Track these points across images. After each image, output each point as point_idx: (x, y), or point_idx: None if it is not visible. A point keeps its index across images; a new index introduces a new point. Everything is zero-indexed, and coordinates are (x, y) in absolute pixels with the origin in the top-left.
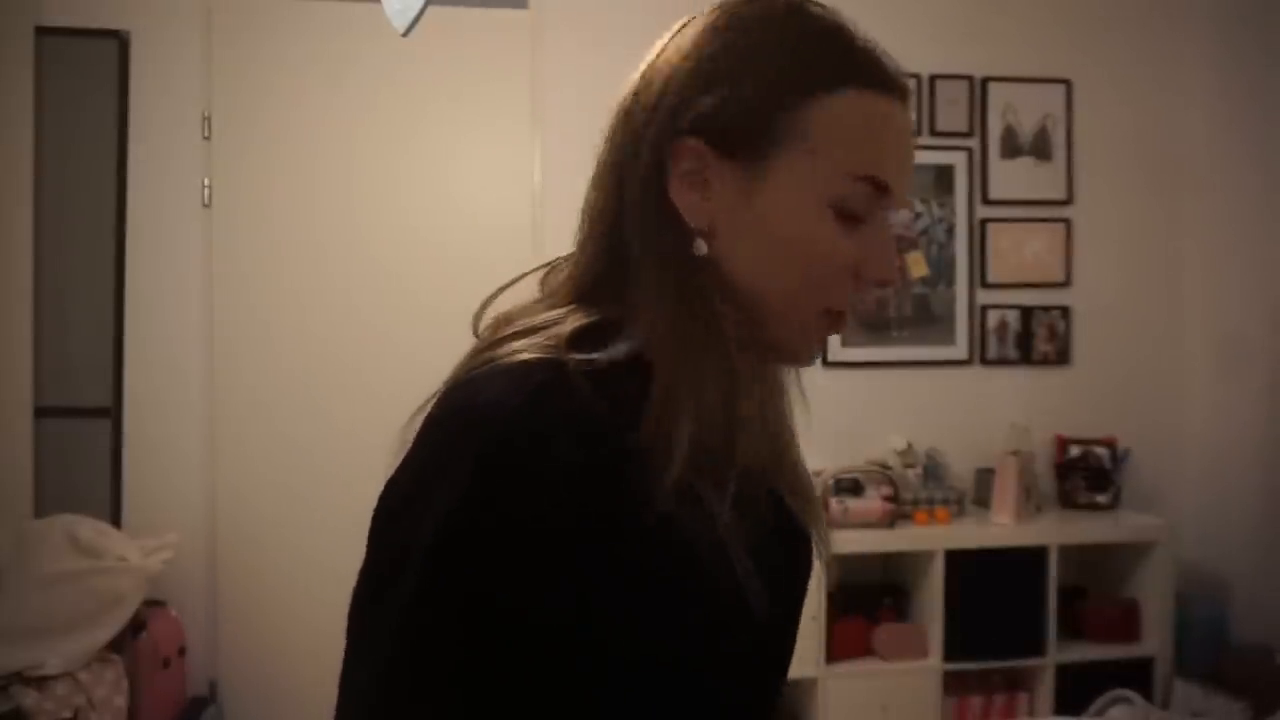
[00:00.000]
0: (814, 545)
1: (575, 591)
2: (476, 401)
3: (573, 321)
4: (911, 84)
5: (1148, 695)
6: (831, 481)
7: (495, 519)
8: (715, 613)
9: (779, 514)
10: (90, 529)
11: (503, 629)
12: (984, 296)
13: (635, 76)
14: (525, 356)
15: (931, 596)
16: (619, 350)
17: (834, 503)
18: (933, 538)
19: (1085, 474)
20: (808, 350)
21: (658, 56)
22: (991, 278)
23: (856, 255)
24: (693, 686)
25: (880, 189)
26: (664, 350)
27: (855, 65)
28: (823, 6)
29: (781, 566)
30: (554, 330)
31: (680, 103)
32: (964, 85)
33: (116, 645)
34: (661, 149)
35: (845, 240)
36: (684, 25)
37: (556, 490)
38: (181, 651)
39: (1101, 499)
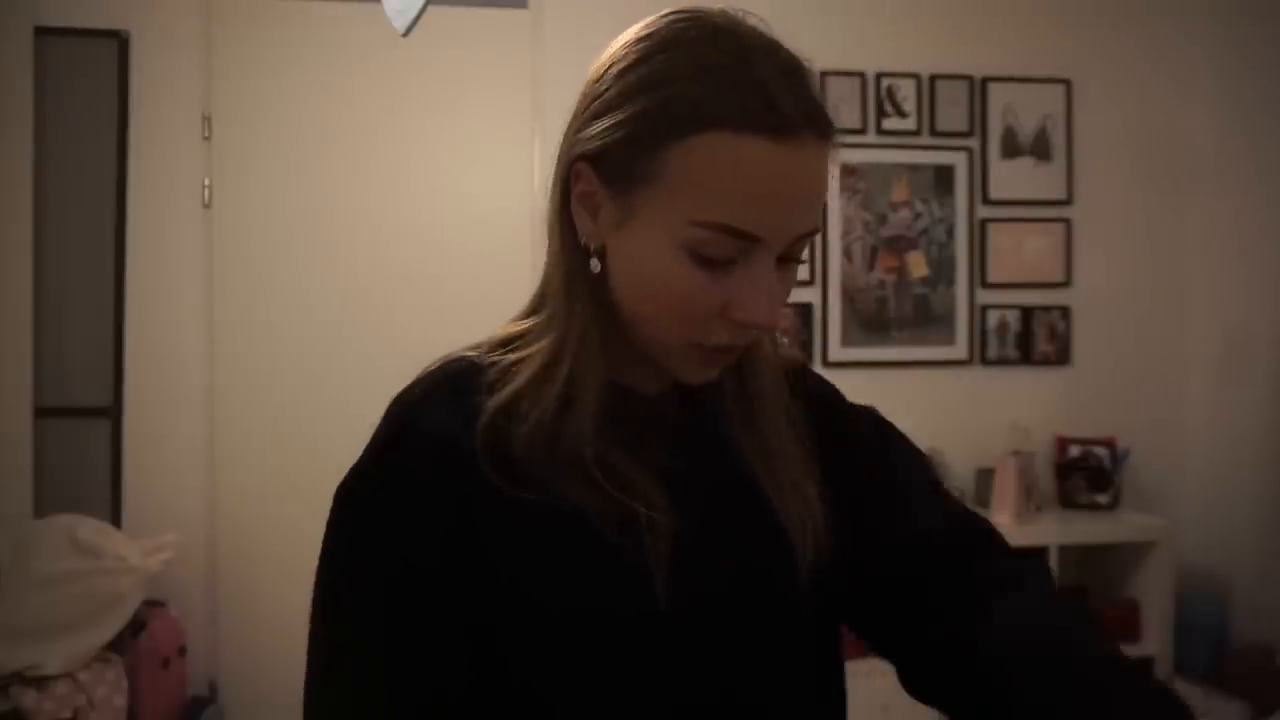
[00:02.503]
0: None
1: (445, 548)
2: (399, 395)
3: (507, 330)
4: (911, 83)
5: None
6: None
7: (377, 484)
8: (589, 579)
9: (750, 514)
10: (90, 529)
11: (398, 581)
12: (984, 296)
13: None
14: (454, 357)
15: None
16: (526, 347)
17: None
18: None
19: (1085, 474)
20: (687, 374)
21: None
22: (991, 278)
23: (722, 298)
24: (583, 646)
25: (740, 236)
26: (549, 352)
27: (732, 106)
28: (742, 33)
29: (718, 556)
30: (496, 339)
31: (583, 123)
32: (964, 85)
33: (116, 645)
34: (567, 167)
35: (708, 283)
36: (628, 33)
37: (427, 461)
38: (181, 651)
39: (1101, 499)
